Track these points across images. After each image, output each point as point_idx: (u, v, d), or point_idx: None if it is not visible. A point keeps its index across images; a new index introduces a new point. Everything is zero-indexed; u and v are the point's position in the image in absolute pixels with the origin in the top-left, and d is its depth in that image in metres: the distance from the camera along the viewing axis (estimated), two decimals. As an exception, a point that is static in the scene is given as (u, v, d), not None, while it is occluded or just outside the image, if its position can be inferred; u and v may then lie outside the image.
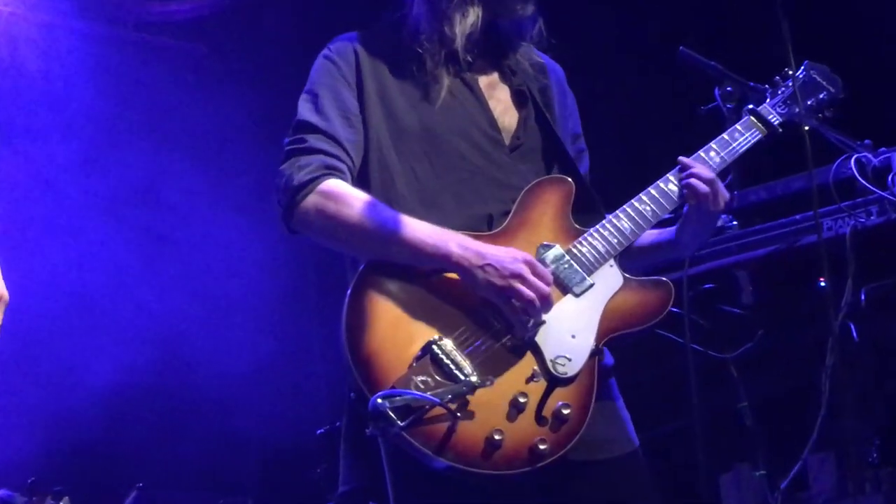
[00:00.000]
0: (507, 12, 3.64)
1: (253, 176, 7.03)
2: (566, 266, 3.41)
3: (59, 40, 7.22)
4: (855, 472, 4.83)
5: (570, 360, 3.30)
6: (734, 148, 3.74)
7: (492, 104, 3.65)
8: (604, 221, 3.53)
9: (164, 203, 7.36)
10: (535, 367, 3.28)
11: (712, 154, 3.70)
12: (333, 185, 3.40)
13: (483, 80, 3.68)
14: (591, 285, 3.41)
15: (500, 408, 3.21)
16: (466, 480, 3.16)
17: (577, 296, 3.39)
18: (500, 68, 3.72)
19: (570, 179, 3.56)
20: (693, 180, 3.54)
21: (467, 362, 3.21)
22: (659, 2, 7.05)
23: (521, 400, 3.22)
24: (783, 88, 3.95)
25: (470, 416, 3.17)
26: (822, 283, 5.04)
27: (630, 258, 3.56)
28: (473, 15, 3.60)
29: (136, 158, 7.34)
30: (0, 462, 6.32)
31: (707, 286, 5.50)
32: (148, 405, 7.21)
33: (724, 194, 3.58)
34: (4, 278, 3.12)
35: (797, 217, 5.30)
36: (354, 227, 3.35)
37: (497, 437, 3.15)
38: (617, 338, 3.42)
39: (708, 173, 3.57)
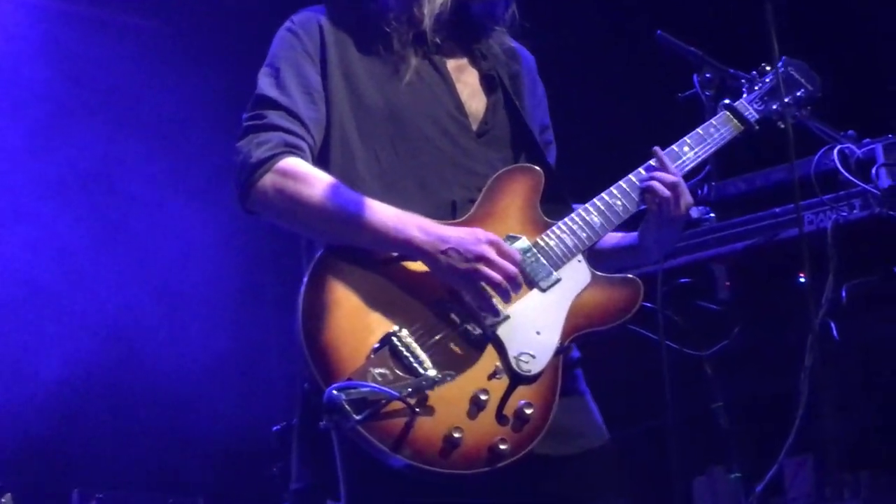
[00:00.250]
0: (478, -6, 3.67)
1: (212, 161, 6.98)
2: (532, 259, 3.44)
3: (6, 13, 7.20)
4: (833, 475, 4.88)
5: (534, 357, 3.33)
6: (708, 144, 3.79)
7: (459, 87, 3.67)
8: (573, 214, 3.55)
9: (118, 188, 7.35)
10: (498, 364, 3.31)
11: (686, 149, 3.75)
12: (293, 163, 3.42)
13: (451, 63, 3.71)
14: (558, 280, 3.45)
15: (460, 405, 3.23)
16: (424, 479, 3.18)
17: (543, 291, 3.42)
18: (470, 52, 3.75)
19: (539, 169, 3.59)
20: (654, 183, 3.58)
21: (428, 356, 3.24)
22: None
23: (483, 397, 3.24)
24: (760, 84, 4.00)
25: (429, 412, 3.19)
26: (802, 279, 5.10)
27: (594, 260, 3.58)
28: None
29: (89, 141, 7.33)
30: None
31: (682, 281, 5.50)
32: (97, 399, 7.21)
33: (688, 199, 3.61)
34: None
35: (777, 210, 5.29)
36: (313, 207, 3.37)
37: (456, 435, 3.18)
38: (583, 336, 3.45)
39: (671, 176, 3.60)
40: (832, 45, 6.41)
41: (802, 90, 4.05)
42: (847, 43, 6.55)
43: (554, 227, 3.52)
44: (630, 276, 3.55)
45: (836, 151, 5.20)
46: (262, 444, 6.31)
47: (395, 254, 3.37)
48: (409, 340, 3.25)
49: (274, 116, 3.50)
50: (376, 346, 3.23)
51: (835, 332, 5.21)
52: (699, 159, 3.77)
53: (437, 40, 3.66)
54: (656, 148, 3.67)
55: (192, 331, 7.40)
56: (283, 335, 3.28)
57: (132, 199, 7.35)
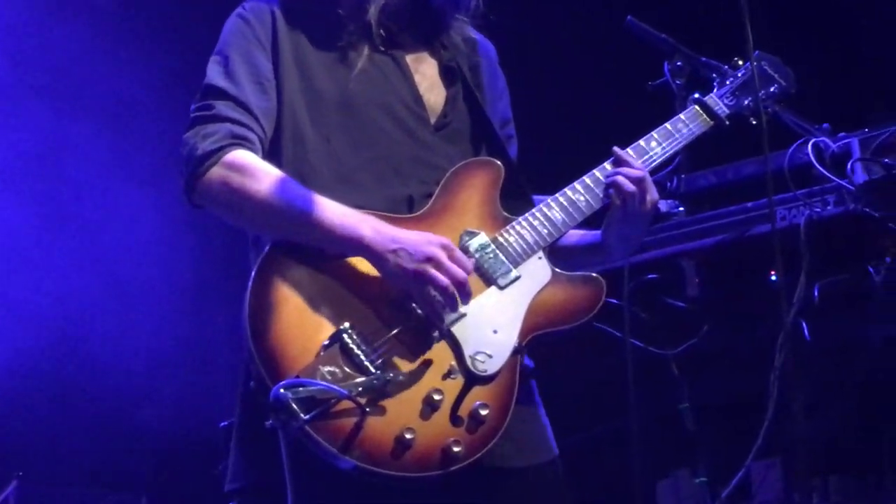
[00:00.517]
0: (435, -18, 3.68)
1: (165, 146, 6.90)
2: (491, 256, 3.46)
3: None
4: (802, 480, 4.91)
5: (490, 356, 3.35)
6: (676, 139, 3.81)
7: (418, 79, 3.69)
8: (534, 210, 3.58)
9: (64, 173, 7.32)
10: (453, 363, 3.33)
11: (653, 144, 3.77)
12: (240, 156, 3.43)
13: (410, 54, 3.73)
14: (517, 278, 3.47)
15: (412, 405, 3.25)
16: (373, 482, 3.20)
17: (501, 288, 3.45)
18: (429, 42, 3.77)
19: (498, 163, 3.61)
20: (619, 178, 3.60)
21: (380, 354, 3.26)
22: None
23: (436, 397, 3.26)
24: (732, 78, 4.03)
25: (380, 412, 3.21)
26: (774, 277, 5.14)
27: (555, 259, 3.60)
28: None
29: (34, 123, 7.30)
30: None
31: (649, 276, 5.51)
32: (39, 390, 7.19)
33: (653, 196, 3.63)
34: None
35: (748, 205, 5.31)
36: (260, 203, 3.38)
37: (408, 436, 3.19)
38: (541, 336, 3.47)
39: (637, 172, 3.62)
40: (808, 36, 6.44)
41: (775, 86, 4.09)
42: (823, 34, 6.58)
43: (514, 223, 3.54)
44: (592, 274, 3.58)
45: (810, 145, 5.23)
46: (210, 441, 6.30)
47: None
48: (361, 338, 3.26)
49: (222, 107, 3.51)
50: (326, 343, 3.24)
51: (806, 332, 5.24)
52: (666, 155, 3.79)
53: (392, 30, 3.68)
54: (616, 148, 3.69)
55: (140, 322, 7.39)
56: (233, 328, 3.28)
57: (80, 184, 7.33)
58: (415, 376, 3.28)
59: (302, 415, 3.13)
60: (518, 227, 3.53)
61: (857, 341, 5.32)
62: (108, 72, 7.34)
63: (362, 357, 3.24)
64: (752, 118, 3.99)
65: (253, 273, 3.32)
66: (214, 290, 7.47)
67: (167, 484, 7.42)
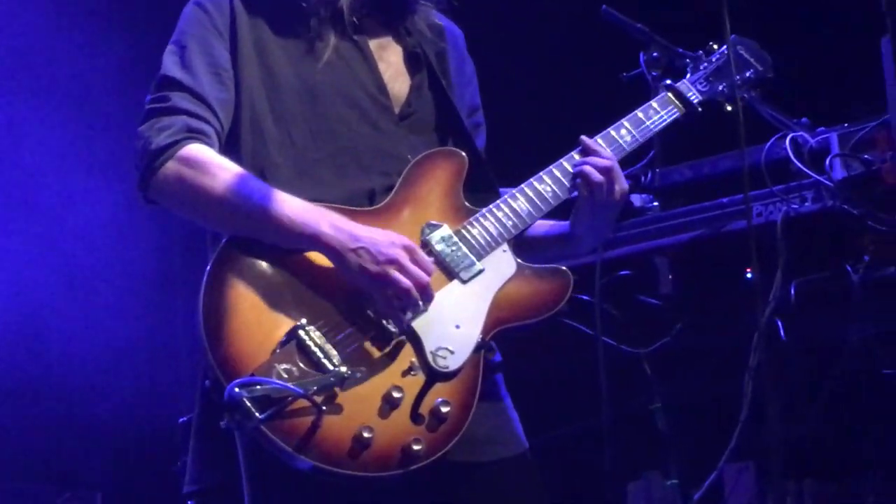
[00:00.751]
0: (401, -33, 3.68)
1: (122, 133, 6.87)
2: (454, 248, 3.46)
3: None
4: (776, 483, 4.92)
5: (452, 352, 3.35)
6: (647, 127, 3.80)
7: (382, 67, 3.68)
8: (498, 202, 3.57)
9: (19, 161, 7.29)
10: (414, 360, 3.32)
11: (623, 132, 3.75)
12: (196, 150, 3.41)
13: (374, 41, 3.71)
14: (481, 271, 3.46)
15: (371, 403, 3.24)
16: (332, 482, 3.19)
17: (464, 282, 3.44)
18: (393, 28, 3.75)
19: (463, 153, 3.60)
20: (587, 168, 3.59)
21: (337, 351, 3.24)
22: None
23: (396, 395, 3.25)
24: (706, 63, 4.02)
25: (337, 410, 3.20)
26: (749, 275, 5.15)
27: (523, 251, 3.60)
28: None
29: (-14, 108, 7.29)
30: None
31: (622, 273, 5.53)
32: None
33: (623, 186, 3.62)
34: None
35: (724, 200, 5.32)
36: (216, 199, 3.37)
37: (366, 434, 3.19)
38: (507, 330, 3.46)
39: (605, 161, 3.61)
40: (787, 27, 6.45)
41: (751, 70, 4.07)
42: (802, 26, 6.58)
43: (478, 215, 3.54)
44: (560, 267, 3.57)
45: (788, 140, 5.24)
46: (168, 438, 6.29)
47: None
48: (318, 334, 3.25)
49: (178, 99, 3.49)
50: (282, 340, 3.23)
51: (782, 332, 5.26)
52: (637, 143, 3.78)
53: (357, 17, 3.67)
54: (584, 137, 3.68)
55: (98, 313, 7.34)
56: (192, 321, 3.28)
57: (36, 171, 7.29)
58: (374, 373, 3.27)
59: (257, 414, 3.12)
60: (482, 220, 3.53)
61: (834, 342, 5.32)
62: (67, 57, 7.31)
63: (319, 354, 3.23)
64: (727, 104, 3.98)
65: (208, 269, 3.31)
66: (176, 281, 7.46)
67: (123, 480, 7.40)
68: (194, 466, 3.50)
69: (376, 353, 3.30)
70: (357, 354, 3.27)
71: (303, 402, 3.16)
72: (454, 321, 3.39)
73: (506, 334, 3.49)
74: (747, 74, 4.06)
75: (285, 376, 3.17)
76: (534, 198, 3.59)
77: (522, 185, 3.61)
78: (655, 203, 5.57)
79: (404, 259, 3.30)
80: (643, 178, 5.56)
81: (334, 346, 3.25)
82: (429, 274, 3.34)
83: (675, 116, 3.87)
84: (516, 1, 7.03)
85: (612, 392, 5.11)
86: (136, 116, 3.54)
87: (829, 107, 5.54)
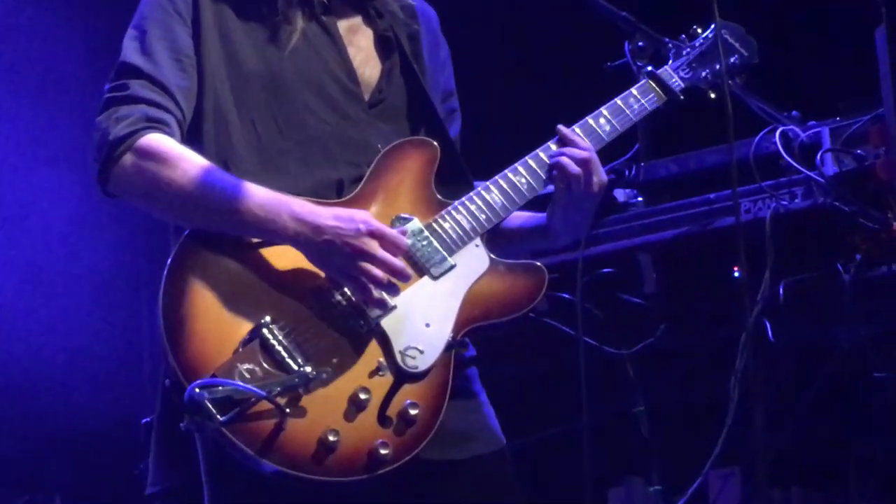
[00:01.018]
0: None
1: (81, 121, 6.87)
2: (424, 243, 3.44)
3: None
4: (762, 491, 4.90)
5: (422, 352, 3.33)
6: (627, 116, 3.78)
7: (352, 52, 3.66)
8: (471, 194, 3.55)
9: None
10: (381, 360, 3.30)
11: (602, 121, 3.74)
12: (155, 140, 3.38)
13: (343, 24, 3.69)
14: (452, 267, 3.45)
15: (337, 405, 3.23)
16: (296, 487, 3.18)
17: (434, 278, 3.42)
18: (363, 10, 3.73)
19: (434, 143, 3.59)
20: (563, 159, 3.57)
21: (302, 350, 3.23)
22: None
23: (363, 396, 3.24)
24: (689, 49, 4.01)
25: (301, 413, 3.19)
26: (737, 274, 5.13)
27: (497, 243, 3.59)
28: None
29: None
30: None
31: (604, 271, 5.52)
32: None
33: (601, 178, 3.60)
34: None
35: (711, 196, 5.31)
36: (175, 191, 3.34)
37: (332, 438, 3.17)
38: (479, 329, 3.45)
39: (583, 152, 3.59)
40: (777, 20, 6.44)
41: (736, 56, 4.06)
42: (793, 18, 6.58)
43: (450, 208, 3.52)
44: (535, 263, 3.56)
45: (778, 133, 5.22)
46: (129, 439, 6.28)
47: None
48: (282, 334, 3.23)
49: (137, 87, 3.47)
50: (245, 339, 3.21)
51: (770, 333, 5.24)
52: (617, 133, 3.76)
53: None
54: (560, 127, 3.66)
55: (58, 311, 7.32)
56: (154, 318, 3.27)
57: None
58: (340, 374, 3.25)
59: (218, 416, 3.10)
60: (454, 213, 3.51)
61: (824, 343, 5.32)
62: (28, 42, 7.26)
63: (283, 354, 3.21)
64: (710, 92, 3.96)
65: (168, 263, 3.29)
66: (140, 278, 7.43)
67: (84, 483, 7.36)
68: (156, 467, 3.48)
69: (343, 353, 3.28)
70: (323, 354, 3.25)
71: (265, 405, 3.14)
72: (424, 319, 3.37)
73: (482, 333, 3.48)
74: (732, 60, 4.04)
75: (248, 377, 3.15)
76: (508, 190, 3.57)
77: (496, 177, 3.59)
78: (640, 198, 5.55)
79: (373, 247, 3.28)
80: (627, 173, 5.54)
81: (299, 345, 3.23)
82: (402, 252, 3.33)
83: (655, 105, 3.86)
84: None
85: (594, 394, 5.07)
86: (95, 105, 3.51)
87: (821, 100, 5.52)
